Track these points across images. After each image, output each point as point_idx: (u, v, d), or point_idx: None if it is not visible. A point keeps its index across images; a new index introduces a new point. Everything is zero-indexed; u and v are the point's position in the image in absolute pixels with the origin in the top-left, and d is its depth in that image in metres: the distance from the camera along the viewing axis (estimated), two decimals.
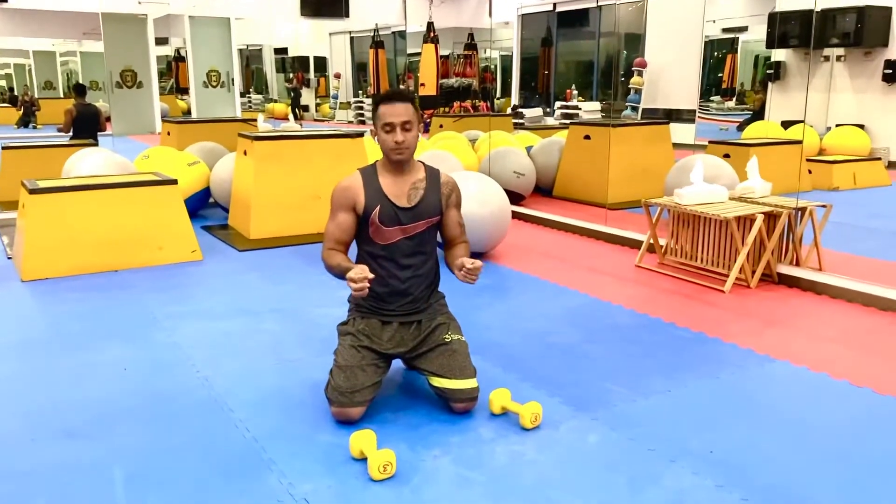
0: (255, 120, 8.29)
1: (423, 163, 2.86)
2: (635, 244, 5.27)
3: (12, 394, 2.93)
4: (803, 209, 4.53)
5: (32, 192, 4.61)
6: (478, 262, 2.63)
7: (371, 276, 2.51)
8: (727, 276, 4.32)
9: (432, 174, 2.82)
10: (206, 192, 6.44)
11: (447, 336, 2.74)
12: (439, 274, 2.89)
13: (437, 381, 2.68)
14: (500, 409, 2.66)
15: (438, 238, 2.89)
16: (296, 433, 2.56)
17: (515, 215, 6.22)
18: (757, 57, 13.24)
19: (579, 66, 16.61)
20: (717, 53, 14.04)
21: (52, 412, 2.75)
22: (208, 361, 3.22)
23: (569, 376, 3.06)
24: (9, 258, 5.09)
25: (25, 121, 16.36)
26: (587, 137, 7.34)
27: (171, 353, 3.35)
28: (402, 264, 2.74)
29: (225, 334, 3.59)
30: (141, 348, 3.41)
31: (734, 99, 13.56)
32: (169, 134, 7.94)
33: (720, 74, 13.94)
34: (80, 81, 12.40)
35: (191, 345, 3.43)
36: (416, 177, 2.78)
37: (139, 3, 11.53)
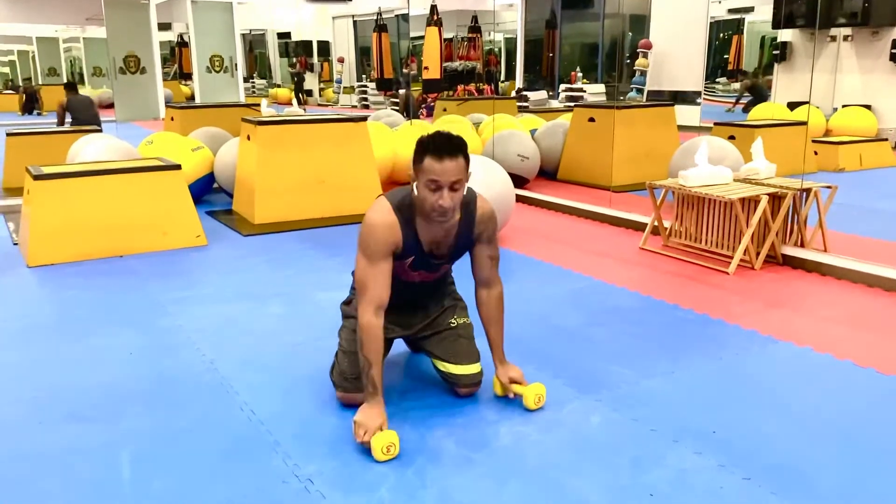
0: (259, 105, 8.28)
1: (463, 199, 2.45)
2: (639, 226, 5.26)
3: (19, 378, 2.95)
4: (808, 190, 4.51)
5: (37, 178, 4.62)
6: (518, 372, 2.61)
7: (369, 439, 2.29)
8: (731, 257, 4.31)
9: (468, 211, 2.50)
10: (209, 177, 6.45)
11: (453, 320, 2.72)
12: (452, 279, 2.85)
13: (442, 366, 2.69)
14: (504, 390, 2.67)
15: None
16: (300, 415, 2.58)
17: (519, 199, 6.21)
18: (763, 38, 13.13)
19: (584, 49, 16.52)
20: (723, 34, 13.92)
21: (58, 396, 2.77)
22: (213, 345, 3.24)
23: (572, 358, 3.07)
24: (15, 244, 5.11)
25: (30, 107, 16.38)
26: (591, 120, 7.31)
27: (176, 337, 3.36)
28: (416, 288, 2.64)
29: (230, 318, 3.60)
30: (146, 333, 3.43)
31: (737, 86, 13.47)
32: (172, 119, 7.94)
33: (726, 56, 13.84)
34: (72, 80, 12.58)
35: (196, 329, 3.45)
36: (453, 220, 2.44)
37: None
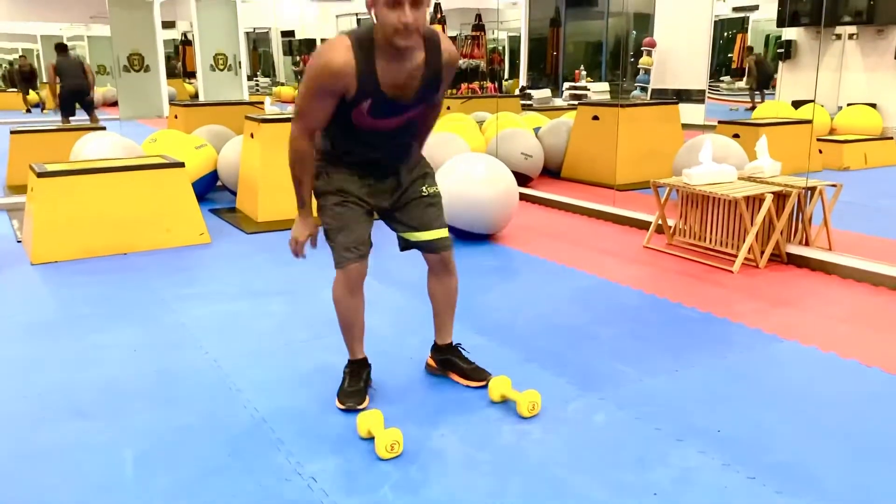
0: (263, 103, 8.27)
1: (423, 36, 2.33)
2: (644, 225, 5.25)
3: (24, 375, 2.96)
4: (813, 189, 4.50)
5: (41, 175, 4.62)
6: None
7: (309, 247, 2.52)
8: (736, 256, 4.30)
9: (432, 44, 2.36)
10: (213, 175, 6.45)
11: (424, 189, 2.61)
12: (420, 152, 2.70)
13: (411, 236, 2.62)
14: (500, 397, 2.62)
15: None
16: (303, 413, 2.58)
17: (523, 197, 6.20)
18: (768, 36, 13.11)
19: (588, 47, 16.50)
20: (728, 33, 13.91)
21: (62, 393, 2.77)
22: (216, 343, 3.24)
23: (576, 356, 3.06)
24: (18, 242, 5.12)
25: (29, 87, 16.24)
26: (595, 118, 7.30)
27: (179, 334, 3.36)
28: (381, 142, 2.47)
29: (233, 316, 3.60)
30: (150, 330, 3.43)
31: (744, 79, 13.45)
32: (176, 117, 7.94)
33: (730, 54, 13.82)
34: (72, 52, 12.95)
35: (199, 326, 3.45)
36: (416, 61, 2.32)
37: None
